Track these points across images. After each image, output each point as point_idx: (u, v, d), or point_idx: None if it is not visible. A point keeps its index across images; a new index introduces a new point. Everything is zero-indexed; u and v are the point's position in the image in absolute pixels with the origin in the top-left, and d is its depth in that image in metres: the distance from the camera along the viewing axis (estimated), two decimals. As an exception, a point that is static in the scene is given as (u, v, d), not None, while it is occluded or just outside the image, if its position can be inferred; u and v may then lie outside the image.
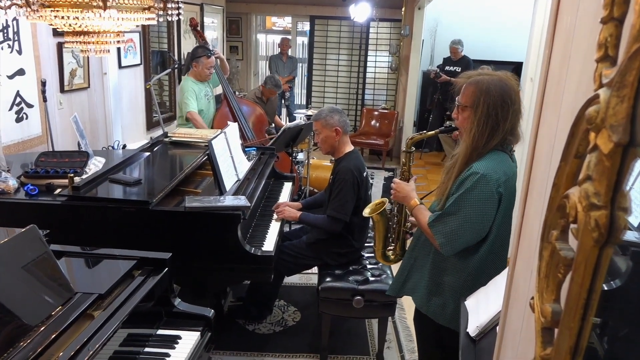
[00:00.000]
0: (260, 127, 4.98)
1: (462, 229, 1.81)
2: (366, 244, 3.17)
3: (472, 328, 1.39)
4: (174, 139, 3.44)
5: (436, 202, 1.96)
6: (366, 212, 2.32)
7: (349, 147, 2.96)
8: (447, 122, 2.09)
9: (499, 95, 1.78)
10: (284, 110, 8.61)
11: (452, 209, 1.82)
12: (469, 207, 1.80)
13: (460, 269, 1.89)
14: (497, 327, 1.02)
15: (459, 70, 6.81)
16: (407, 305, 3.46)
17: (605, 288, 0.62)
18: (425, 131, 2.19)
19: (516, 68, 7.06)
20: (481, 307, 1.48)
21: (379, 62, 8.07)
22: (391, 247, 2.31)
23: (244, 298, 3.31)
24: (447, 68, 7.24)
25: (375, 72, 8.17)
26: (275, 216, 2.94)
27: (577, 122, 0.48)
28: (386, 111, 7.84)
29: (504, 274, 1.46)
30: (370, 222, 2.88)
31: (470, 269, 1.87)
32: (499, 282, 1.56)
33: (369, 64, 8.09)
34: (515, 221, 0.95)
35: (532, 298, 0.56)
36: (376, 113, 7.85)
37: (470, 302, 1.56)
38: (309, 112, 5.53)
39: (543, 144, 0.79)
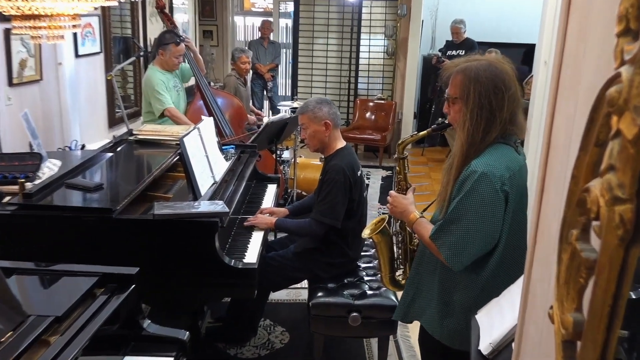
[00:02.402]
0: (239, 121, 4.97)
1: (468, 237, 1.81)
2: (363, 253, 3.17)
3: (485, 345, 1.40)
4: (140, 137, 3.42)
5: (438, 211, 1.96)
6: (365, 233, 2.32)
7: (341, 143, 2.97)
8: (440, 119, 2.10)
9: (490, 81, 1.80)
10: (266, 103, 8.60)
11: (453, 215, 1.83)
12: (472, 211, 1.80)
13: (471, 283, 1.89)
14: (513, 344, 1.02)
15: (463, 54, 6.86)
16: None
17: (633, 296, 0.62)
18: (416, 132, 2.18)
19: (528, 51, 7.14)
20: (494, 321, 1.49)
21: (373, 46, 8.10)
22: (400, 271, 2.30)
23: (224, 318, 3.29)
24: (449, 52, 7.28)
25: (369, 58, 8.18)
26: (254, 222, 2.93)
27: (597, 106, 0.48)
28: (382, 102, 7.86)
29: (519, 283, 1.46)
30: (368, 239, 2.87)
31: (481, 283, 1.87)
32: (513, 292, 1.57)
33: (362, 48, 8.11)
34: (530, 222, 0.95)
35: (551, 307, 0.56)
36: (371, 104, 7.87)
37: (482, 316, 1.56)
38: (295, 105, 5.54)
39: (559, 133, 0.79)
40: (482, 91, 1.80)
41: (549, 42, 3.40)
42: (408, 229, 2.21)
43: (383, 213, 2.65)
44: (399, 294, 2.27)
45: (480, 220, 1.80)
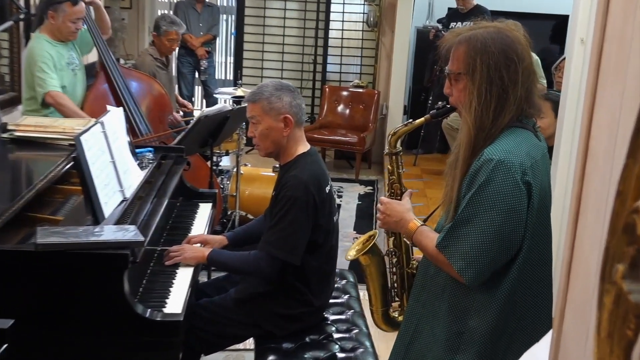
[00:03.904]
0: (160, 113, 4.94)
1: (485, 241, 1.91)
2: (332, 300, 3.18)
3: None
4: (18, 134, 3.35)
5: (443, 218, 2.07)
6: (350, 254, 2.37)
7: (303, 147, 2.98)
8: (440, 102, 2.20)
9: (500, 52, 1.93)
10: (198, 89, 8.57)
11: (465, 215, 1.93)
12: (487, 208, 1.91)
13: (488, 304, 1.99)
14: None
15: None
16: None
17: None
18: (412, 120, 2.27)
19: (558, 25, 7.32)
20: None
21: (349, 13, 8.18)
22: (396, 304, 2.35)
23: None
24: (452, 24, 7.40)
25: (342, 30, 8.26)
26: (178, 257, 2.90)
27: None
28: (361, 90, 7.93)
29: (547, 339, 1.49)
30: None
31: (500, 302, 1.98)
32: (538, 355, 1.59)
33: (333, 16, 8.18)
34: (560, 255, 0.97)
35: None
36: (345, 94, 7.93)
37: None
38: (239, 92, 5.53)
39: (600, 135, 0.82)
40: (491, 63, 1.92)
41: (587, 14, 3.50)
42: (406, 242, 2.29)
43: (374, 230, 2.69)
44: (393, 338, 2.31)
45: (498, 219, 1.90)
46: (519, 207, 1.91)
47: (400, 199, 2.25)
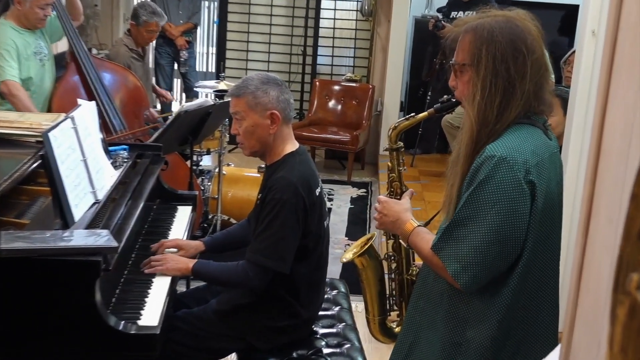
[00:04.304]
0: (136, 108, 4.93)
1: (484, 243, 1.93)
2: (322, 312, 3.18)
3: None
4: (-21, 129, 3.34)
5: (445, 221, 2.07)
6: (346, 256, 2.37)
7: (292, 146, 2.98)
8: (445, 96, 2.22)
9: (508, 42, 1.95)
10: (178, 82, 8.55)
11: (462, 215, 1.96)
12: (487, 207, 1.92)
13: (487, 314, 2.00)
14: None
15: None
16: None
17: None
18: (414, 114, 2.29)
19: (568, 16, 7.35)
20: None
21: (341, 1, 8.18)
22: (394, 313, 2.36)
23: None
24: (453, 14, 7.42)
25: (334, 19, 8.26)
26: (159, 267, 2.90)
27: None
28: (354, 85, 7.93)
29: (555, 353, 1.50)
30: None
31: (500, 312, 1.99)
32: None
33: (324, 4, 8.18)
34: (570, 262, 0.97)
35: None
36: (337, 88, 7.92)
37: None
38: (222, 86, 5.52)
39: (614, 134, 0.82)
40: (498, 54, 1.94)
41: (599, 3, 3.52)
42: (403, 244, 2.32)
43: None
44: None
45: (498, 219, 1.92)
46: (520, 207, 1.92)
47: (400, 199, 2.27)
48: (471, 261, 1.93)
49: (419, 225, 2.13)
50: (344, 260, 2.42)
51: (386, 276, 2.49)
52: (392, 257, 2.37)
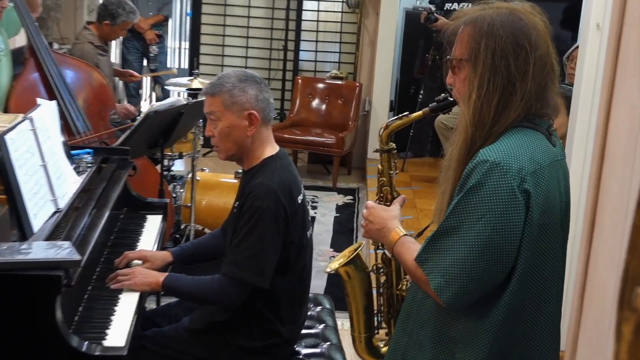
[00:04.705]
0: (101, 108, 4.92)
1: (471, 255, 1.90)
2: (305, 331, 3.17)
3: None
4: None
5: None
6: (332, 266, 2.37)
7: (272, 149, 2.98)
8: (442, 95, 2.22)
9: (509, 36, 1.94)
10: (146, 80, 8.53)
11: (449, 224, 1.93)
12: (476, 217, 1.90)
13: (477, 335, 1.98)
14: None
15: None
16: None
17: None
18: (407, 113, 2.29)
19: (570, 8, 7.39)
20: None
21: (325, -8, 8.20)
22: (383, 331, 2.37)
23: None
24: (448, 5, 7.45)
25: (318, 11, 8.27)
26: (126, 282, 2.89)
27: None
28: (339, 82, 7.94)
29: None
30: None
31: (492, 332, 1.96)
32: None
33: (307, -5, 8.20)
34: (570, 270, 0.98)
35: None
36: (321, 86, 7.93)
37: None
38: (195, 84, 5.52)
39: (619, 135, 0.83)
40: (497, 49, 1.93)
41: (603, -5, 3.55)
42: (387, 254, 2.30)
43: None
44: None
45: (487, 230, 1.89)
46: (512, 218, 1.89)
47: (390, 206, 2.26)
48: (456, 275, 1.90)
49: (405, 235, 2.11)
50: (328, 270, 2.42)
51: (374, 290, 2.49)
52: (381, 270, 2.37)
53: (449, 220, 1.93)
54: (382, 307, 2.40)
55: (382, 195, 2.34)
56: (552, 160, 2.00)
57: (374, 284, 2.49)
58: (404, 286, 2.36)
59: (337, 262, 2.43)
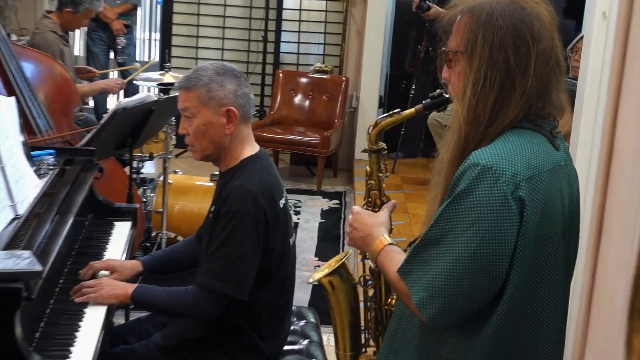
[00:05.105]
0: (65, 105, 4.91)
1: (457, 268, 1.87)
2: (288, 347, 3.18)
3: None
4: None
5: None
6: (315, 276, 2.37)
7: (251, 149, 2.99)
8: (437, 91, 2.21)
9: (509, 27, 1.91)
10: (113, 75, 8.49)
11: (434, 233, 1.91)
12: (464, 225, 1.87)
13: (465, 355, 1.95)
14: None
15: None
16: None
17: None
18: (399, 110, 2.29)
19: (575, -4, 7.43)
20: None
21: (308, -21, 8.21)
22: (371, 351, 2.38)
23: None
24: (442, -7, 7.49)
25: (301, 0, 8.27)
26: (92, 294, 2.88)
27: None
28: (324, 76, 7.95)
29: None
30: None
31: (482, 352, 1.93)
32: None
33: (288, -18, 8.21)
34: (575, 277, 0.98)
35: None
36: (304, 80, 7.95)
37: None
38: (167, 78, 5.51)
39: (628, 133, 0.83)
40: (496, 41, 1.90)
41: (610, -18, 3.56)
42: (371, 265, 2.28)
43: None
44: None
45: (476, 240, 1.85)
46: (504, 228, 1.86)
47: (378, 211, 2.25)
48: (440, 289, 1.87)
49: (390, 244, 2.08)
50: (311, 281, 2.40)
51: (362, 305, 2.48)
52: (369, 282, 2.36)
53: (435, 229, 1.90)
54: (369, 323, 2.38)
55: (370, 199, 2.33)
56: (553, 165, 1.97)
57: (361, 298, 2.48)
58: (394, 300, 2.33)
59: (321, 272, 2.41)
